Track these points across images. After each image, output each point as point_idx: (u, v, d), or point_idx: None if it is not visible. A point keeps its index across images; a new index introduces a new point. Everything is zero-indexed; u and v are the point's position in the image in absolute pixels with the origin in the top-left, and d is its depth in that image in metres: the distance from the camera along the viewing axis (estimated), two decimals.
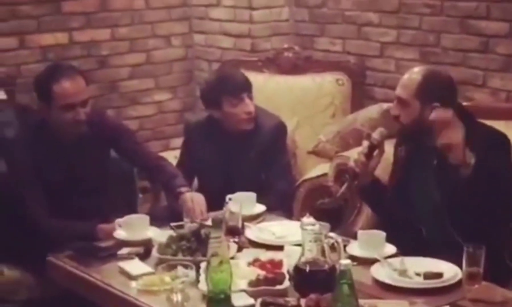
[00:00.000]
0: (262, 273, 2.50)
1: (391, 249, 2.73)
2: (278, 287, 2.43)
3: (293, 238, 2.76)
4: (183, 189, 3.18)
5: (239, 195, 3.06)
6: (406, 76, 2.91)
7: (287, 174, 3.59)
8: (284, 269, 2.52)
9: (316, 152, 4.01)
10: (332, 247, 2.51)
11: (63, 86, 3.14)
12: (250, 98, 3.50)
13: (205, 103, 3.60)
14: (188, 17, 4.97)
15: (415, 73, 2.89)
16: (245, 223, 2.98)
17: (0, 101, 3.97)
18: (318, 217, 2.58)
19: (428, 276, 2.49)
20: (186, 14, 4.97)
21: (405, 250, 2.70)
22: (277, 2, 4.65)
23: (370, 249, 2.70)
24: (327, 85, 4.24)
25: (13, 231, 3.18)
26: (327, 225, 2.66)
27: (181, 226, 2.96)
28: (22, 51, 4.40)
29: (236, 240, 2.84)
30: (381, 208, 3.09)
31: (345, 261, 2.14)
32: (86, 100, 3.21)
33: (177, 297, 2.40)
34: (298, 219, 2.78)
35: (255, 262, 2.61)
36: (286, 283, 2.44)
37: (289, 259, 2.54)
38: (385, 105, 3.71)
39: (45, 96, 3.17)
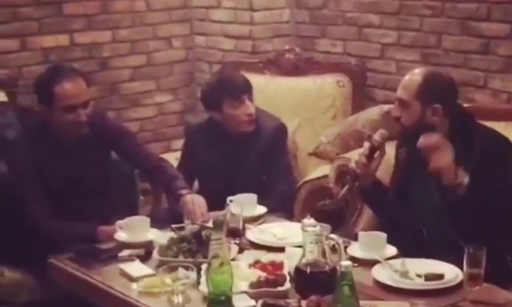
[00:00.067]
0: (263, 274, 2.50)
1: (392, 250, 2.73)
2: (279, 288, 2.43)
3: (294, 239, 2.76)
4: (183, 191, 3.18)
5: (240, 197, 3.06)
6: (407, 77, 2.91)
7: (287, 176, 3.59)
8: (285, 271, 2.52)
9: (317, 154, 4.01)
10: (333, 249, 2.51)
11: (64, 87, 3.14)
12: (251, 99, 3.50)
13: (205, 105, 3.60)
14: (189, 19, 4.98)
15: (415, 74, 2.90)
16: (246, 225, 2.98)
17: (1, 103, 3.97)
18: (319, 219, 2.59)
19: (429, 277, 2.49)
20: (187, 16, 4.97)
21: (406, 251, 2.70)
22: (277, 3, 4.65)
23: (371, 250, 2.70)
24: (328, 86, 4.24)
25: (14, 233, 3.18)
26: (328, 226, 2.67)
27: (182, 228, 2.96)
28: (23, 53, 4.41)
29: (237, 241, 2.85)
30: (382, 209, 3.09)
31: (346, 263, 2.14)
32: (87, 102, 3.22)
33: (178, 299, 2.41)
34: (299, 221, 2.78)
35: (256, 264, 2.61)
36: (287, 285, 2.44)
37: (290, 261, 2.54)
38: (386, 107, 3.71)
39: (46, 98, 3.17)
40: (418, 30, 4.03)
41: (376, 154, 2.94)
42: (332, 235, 2.60)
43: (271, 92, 4.28)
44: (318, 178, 3.76)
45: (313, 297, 2.27)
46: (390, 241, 2.76)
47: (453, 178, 2.72)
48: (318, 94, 4.24)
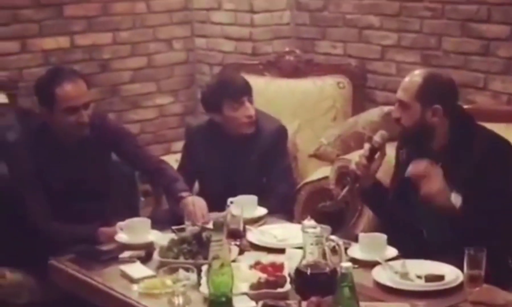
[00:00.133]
0: (263, 276, 2.50)
1: (392, 251, 2.73)
2: (280, 290, 2.43)
3: (295, 241, 2.76)
4: (184, 193, 3.19)
5: (240, 198, 3.06)
6: (407, 79, 2.92)
7: (288, 177, 3.59)
8: (286, 272, 2.52)
9: (318, 155, 4.01)
10: (333, 250, 2.51)
11: (66, 89, 3.15)
12: (251, 101, 3.51)
13: (205, 107, 3.61)
14: (189, 20, 4.98)
15: (416, 76, 2.90)
16: (247, 226, 2.99)
17: (2, 105, 3.97)
18: (319, 220, 2.58)
19: (430, 278, 2.49)
20: (187, 17, 4.97)
21: (406, 252, 2.71)
22: (278, 5, 4.66)
23: (371, 251, 2.70)
24: (328, 88, 4.24)
25: (15, 234, 3.18)
26: (328, 228, 2.67)
27: (182, 229, 2.96)
28: (24, 55, 4.41)
29: (238, 243, 2.85)
30: (383, 210, 3.09)
31: (346, 264, 2.14)
32: (88, 103, 3.22)
33: (179, 300, 2.41)
34: (299, 222, 2.78)
35: (256, 265, 2.61)
36: (288, 286, 2.44)
37: (290, 262, 2.54)
38: (386, 108, 3.71)
39: (47, 100, 3.18)
40: (418, 31, 4.03)
41: (377, 156, 2.94)
42: (333, 237, 2.60)
43: (271, 94, 4.28)
44: (319, 180, 3.76)
45: (313, 299, 2.27)
46: (390, 242, 2.76)
47: (446, 202, 2.74)
48: (318, 96, 4.24)
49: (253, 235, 2.96)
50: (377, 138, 2.95)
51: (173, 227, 3.01)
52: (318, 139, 4.03)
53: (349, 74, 4.27)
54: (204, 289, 2.41)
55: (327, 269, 2.37)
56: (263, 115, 3.58)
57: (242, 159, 3.49)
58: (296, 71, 4.37)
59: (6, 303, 3.21)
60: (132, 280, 2.64)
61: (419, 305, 2.38)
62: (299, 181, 3.82)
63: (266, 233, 2.97)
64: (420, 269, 2.55)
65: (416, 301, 2.39)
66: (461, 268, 2.44)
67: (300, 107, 4.23)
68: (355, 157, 2.99)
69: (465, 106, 3.16)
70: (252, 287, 2.45)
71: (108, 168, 3.38)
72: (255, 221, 3.14)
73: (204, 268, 2.48)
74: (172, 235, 2.90)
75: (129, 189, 3.63)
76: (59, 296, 2.98)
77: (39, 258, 2.98)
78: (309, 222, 2.51)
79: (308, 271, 2.37)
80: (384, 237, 2.76)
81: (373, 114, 3.86)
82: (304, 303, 2.31)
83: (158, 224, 3.08)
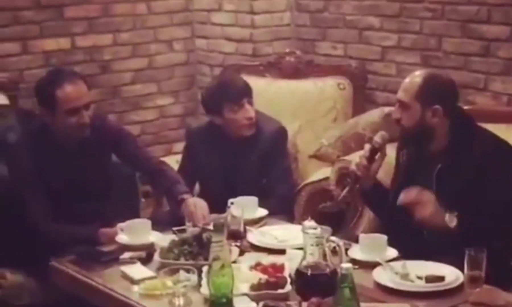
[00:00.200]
0: (264, 277, 2.50)
1: (392, 252, 2.73)
2: (280, 291, 2.43)
3: (295, 242, 2.76)
4: (185, 195, 3.18)
5: (240, 199, 3.07)
6: (407, 80, 2.92)
7: (288, 178, 3.59)
8: (286, 273, 2.52)
9: (318, 156, 4.01)
10: (334, 251, 2.51)
11: (66, 90, 3.14)
12: (251, 103, 3.51)
13: (206, 109, 3.61)
14: (190, 22, 4.98)
15: (416, 76, 2.90)
16: (247, 227, 2.99)
17: (2, 106, 3.97)
18: (319, 221, 2.58)
19: (430, 279, 2.49)
20: (188, 19, 4.98)
21: (406, 253, 2.71)
22: (278, 6, 4.66)
23: (371, 252, 2.70)
24: (328, 89, 4.25)
25: (16, 235, 3.19)
26: (328, 228, 2.67)
27: (183, 231, 2.97)
28: (24, 56, 4.41)
29: (238, 244, 2.85)
30: (383, 211, 3.09)
31: (347, 265, 2.14)
32: (89, 104, 3.22)
33: (179, 301, 2.41)
34: (300, 223, 2.78)
35: (257, 266, 2.61)
36: (288, 287, 2.44)
37: (291, 263, 2.55)
38: (387, 109, 3.71)
39: (48, 101, 3.18)
40: (418, 32, 4.03)
41: (377, 156, 2.94)
42: (333, 237, 2.60)
43: (272, 95, 4.28)
44: (319, 181, 3.76)
45: (313, 299, 2.27)
46: (390, 243, 2.76)
47: (440, 224, 2.74)
48: (318, 97, 4.24)
49: (254, 236, 2.96)
50: (377, 139, 2.95)
51: (174, 228, 3.01)
52: (318, 140, 4.03)
53: (350, 75, 4.27)
54: (204, 290, 2.42)
55: (328, 270, 2.36)
56: (263, 116, 3.58)
57: (243, 160, 3.49)
58: (296, 72, 4.37)
59: (7, 304, 3.21)
60: (133, 281, 2.64)
61: (419, 306, 2.38)
62: (300, 182, 3.83)
63: (267, 234, 2.98)
64: (420, 270, 2.55)
65: (416, 302, 2.39)
66: (462, 269, 2.44)
67: (301, 108, 4.23)
68: (356, 158, 3.00)
69: (465, 107, 3.17)
70: (253, 288, 2.45)
71: (108, 169, 3.39)
72: (256, 222, 3.14)
73: (205, 269, 2.48)
74: (173, 236, 2.91)
75: (129, 190, 3.63)
76: (59, 297, 2.98)
77: (40, 259, 2.98)
78: (309, 223, 2.51)
79: (309, 272, 2.37)
80: (384, 238, 2.76)
81: (374, 115, 3.86)
82: (304, 304, 2.31)
83: (159, 225, 3.09)
